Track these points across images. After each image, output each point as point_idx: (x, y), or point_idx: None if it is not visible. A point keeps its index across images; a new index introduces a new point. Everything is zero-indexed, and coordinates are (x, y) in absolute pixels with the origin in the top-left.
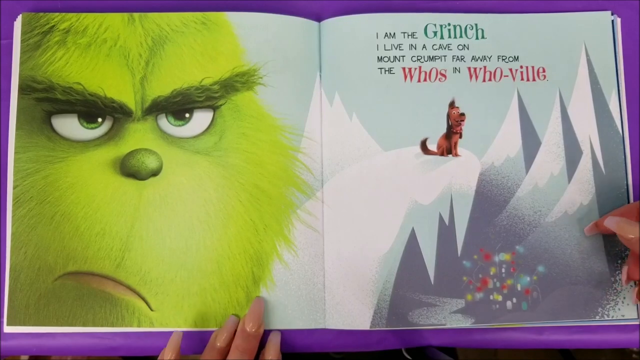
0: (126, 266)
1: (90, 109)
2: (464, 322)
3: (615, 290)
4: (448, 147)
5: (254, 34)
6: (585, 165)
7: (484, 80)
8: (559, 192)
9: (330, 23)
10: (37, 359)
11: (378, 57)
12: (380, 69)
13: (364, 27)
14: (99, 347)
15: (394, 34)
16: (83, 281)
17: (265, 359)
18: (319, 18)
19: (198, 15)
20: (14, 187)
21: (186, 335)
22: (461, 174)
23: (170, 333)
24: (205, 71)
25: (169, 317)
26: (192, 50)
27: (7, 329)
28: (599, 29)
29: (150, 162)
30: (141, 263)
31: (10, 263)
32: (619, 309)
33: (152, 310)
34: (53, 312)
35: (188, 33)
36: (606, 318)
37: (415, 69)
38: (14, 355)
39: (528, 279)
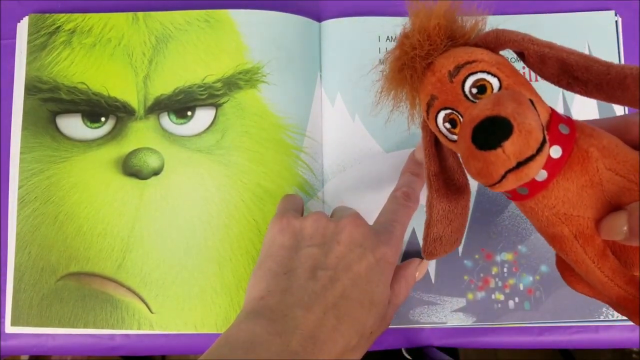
0: (127, 267)
1: (94, 108)
2: (465, 321)
3: None
4: None
5: (257, 32)
6: None
7: None
8: None
9: (331, 24)
10: (37, 359)
11: (380, 60)
12: (383, 72)
13: (365, 29)
14: (99, 347)
15: (395, 37)
16: (85, 282)
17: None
18: (319, 18)
19: (201, 13)
20: (19, 187)
21: (187, 337)
22: None
23: (170, 335)
24: (208, 69)
25: (168, 320)
26: (195, 49)
27: (10, 329)
28: (602, 28)
29: (152, 161)
30: (142, 264)
31: (14, 263)
32: None
33: (152, 312)
34: (55, 313)
35: (191, 31)
36: (610, 318)
37: None
38: (14, 355)
39: (531, 278)
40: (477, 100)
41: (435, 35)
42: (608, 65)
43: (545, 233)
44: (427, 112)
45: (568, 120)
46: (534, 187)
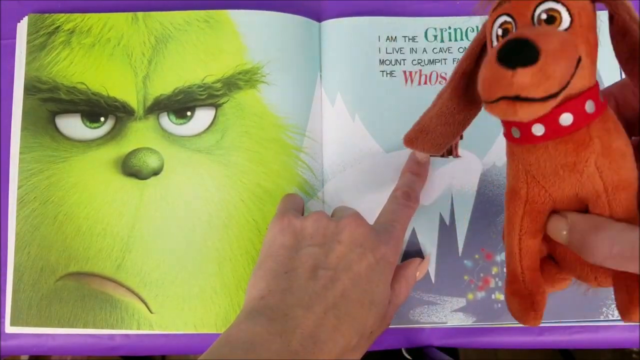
0: (126, 267)
1: (93, 108)
2: (465, 321)
3: None
4: (449, 148)
5: (256, 32)
6: None
7: None
8: None
9: (331, 24)
10: (37, 359)
11: (380, 60)
12: (382, 71)
13: (365, 30)
14: (99, 347)
15: (395, 37)
16: (84, 282)
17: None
18: (319, 18)
19: (201, 13)
20: (19, 187)
21: (186, 337)
22: (462, 174)
23: (170, 335)
24: (208, 69)
25: (168, 320)
26: (194, 49)
27: (10, 329)
28: (602, 28)
29: (152, 162)
30: (141, 264)
31: (14, 263)
32: None
33: (151, 312)
34: (55, 313)
35: (191, 31)
36: (611, 318)
37: (416, 72)
38: (14, 355)
39: None
40: (538, 26)
41: None
42: None
43: (509, 183)
44: (494, 10)
45: (600, 104)
46: (526, 136)
